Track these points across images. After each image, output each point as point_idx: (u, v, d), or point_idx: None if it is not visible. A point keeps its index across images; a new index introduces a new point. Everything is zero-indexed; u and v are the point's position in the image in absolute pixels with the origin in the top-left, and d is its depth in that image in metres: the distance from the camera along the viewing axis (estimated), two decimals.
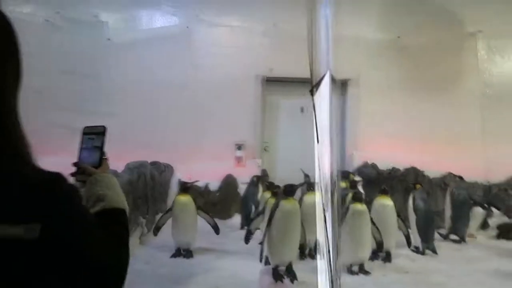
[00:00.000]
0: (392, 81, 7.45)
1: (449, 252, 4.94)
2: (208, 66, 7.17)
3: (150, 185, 5.54)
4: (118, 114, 6.76)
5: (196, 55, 7.25)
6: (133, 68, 7.03)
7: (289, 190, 4.15)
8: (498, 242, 5.52)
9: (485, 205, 5.87)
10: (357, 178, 7.10)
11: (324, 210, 2.41)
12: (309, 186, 4.47)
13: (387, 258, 4.32)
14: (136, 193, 5.00)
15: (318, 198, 5.80)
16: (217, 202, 6.71)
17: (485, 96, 7.47)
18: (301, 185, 4.37)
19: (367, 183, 6.80)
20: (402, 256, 4.55)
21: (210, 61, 7.18)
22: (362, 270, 3.88)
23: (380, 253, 4.24)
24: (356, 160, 7.35)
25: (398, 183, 6.84)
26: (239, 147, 7.04)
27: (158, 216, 5.04)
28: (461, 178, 5.71)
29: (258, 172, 6.87)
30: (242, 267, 3.85)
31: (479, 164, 7.27)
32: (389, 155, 7.20)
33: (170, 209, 4.72)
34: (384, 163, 7.19)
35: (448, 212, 5.56)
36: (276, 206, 3.88)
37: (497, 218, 6.30)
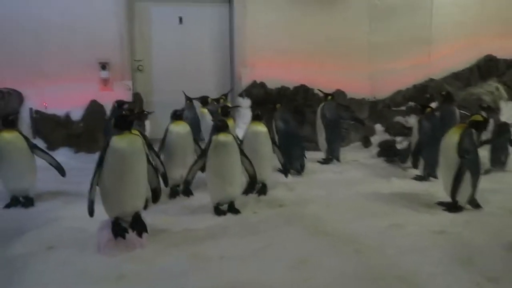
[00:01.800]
0: None
1: (328, 176, 4.71)
2: None
3: None
4: None
5: None
6: None
7: (177, 115, 3.91)
8: (378, 161, 5.48)
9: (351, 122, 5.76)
10: (246, 100, 6.58)
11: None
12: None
13: (262, 190, 3.88)
14: None
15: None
16: (81, 133, 5.67)
17: (373, 8, 7.11)
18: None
19: (257, 105, 6.28)
20: (280, 185, 4.17)
21: None
22: (231, 208, 3.37)
23: (256, 185, 3.75)
24: (245, 79, 6.70)
25: (288, 103, 6.41)
26: (103, 66, 5.86)
27: None
28: (331, 95, 5.41)
29: (129, 96, 5.88)
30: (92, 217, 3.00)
31: (366, 80, 7.16)
32: (278, 72, 6.66)
33: None
34: (273, 81, 6.67)
35: (321, 134, 5.30)
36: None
37: (380, 135, 6.31)
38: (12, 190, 3.71)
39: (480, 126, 3.52)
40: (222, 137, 3.21)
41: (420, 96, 6.72)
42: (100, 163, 2.59)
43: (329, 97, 5.37)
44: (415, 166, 4.44)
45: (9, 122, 3.65)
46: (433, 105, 5.54)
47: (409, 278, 2.29)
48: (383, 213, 3.41)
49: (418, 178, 4.45)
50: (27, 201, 3.72)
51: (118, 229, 2.65)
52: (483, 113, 4.52)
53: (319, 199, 3.81)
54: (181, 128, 3.84)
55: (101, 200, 2.68)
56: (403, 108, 6.64)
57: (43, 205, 3.72)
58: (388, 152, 5.48)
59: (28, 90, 5.69)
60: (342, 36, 6.96)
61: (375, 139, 6.21)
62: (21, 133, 3.73)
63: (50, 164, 3.81)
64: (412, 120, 5.83)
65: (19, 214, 3.55)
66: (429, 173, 4.43)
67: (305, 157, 4.82)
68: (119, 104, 4.54)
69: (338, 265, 2.45)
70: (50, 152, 4.34)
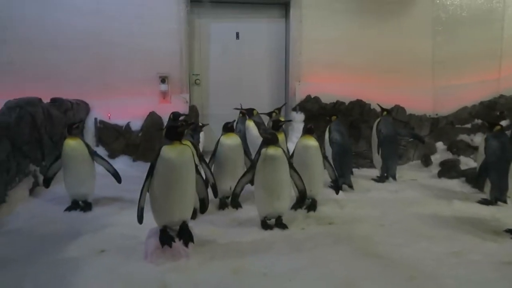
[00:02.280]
0: (338, 2, 6.60)
1: (383, 195, 4.47)
2: None
3: (44, 127, 4.61)
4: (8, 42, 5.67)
5: None
6: None
7: (228, 127, 3.97)
8: (438, 182, 5.12)
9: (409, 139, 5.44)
10: (299, 114, 6.52)
11: None
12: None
13: (312, 206, 3.76)
14: (19, 138, 4.10)
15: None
16: (140, 143, 5.92)
17: (438, 21, 6.78)
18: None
19: (310, 119, 6.19)
20: (331, 202, 4.02)
21: None
22: (279, 223, 3.30)
23: (305, 200, 3.66)
24: (299, 93, 6.65)
25: (343, 117, 6.25)
26: (162, 79, 6.10)
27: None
28: (387, 111, 5.17)
29: (185, 109, 6.06)
30: (145, 222, 3.07)
31: (428, 96, 6.81)
32: (333, 87, 6.54)
33: (60, 156, 3.89)
34: (328, 96, 6.55)
35: (376, 151, 5.07)
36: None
37: (441, 154, 5.92)
38: (73, 194, 3.93)
39: None
40: (271, 150, 3.17)
41: (488, 113, 6.24)
42: (150, 172, 2.66)
43: (385, 112, 5.15)
44: (480, 188, 4.09)
45: (73, 130, 3.89)
46: (503, 123, 5.11)
47: None
48: (442, 238, 3.16)
49: (484, 202, 4.09)
50: (86, 206, 3.92)
51: (165, 237, 2.69)
52: None
53: (371, 218, 3.62)
54: (232, 140, 3.87)
55: (151, 208, 2.75)
56: (469, 125, 6.19)
57: (100, 210, 3.90)
58: (450, 172, 5.11)
59: (94, 102, 6.05)
60: (403, 50, 6.70)
61: (435, 158, 5.83)
62: (83, 140, 3.96)
63: (108, 170, 3.99)
64: (478, 139, 5.42)
65: (77, 217, 3.74)
66: (496, 197, 4.05)
67: (352, 173, 4.67)
68: (175, 116, 4.67)
69: None
70: (110, 160, 4.58)
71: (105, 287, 2.37)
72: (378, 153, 5.04)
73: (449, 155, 5.79)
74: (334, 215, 3.70)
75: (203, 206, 3.02)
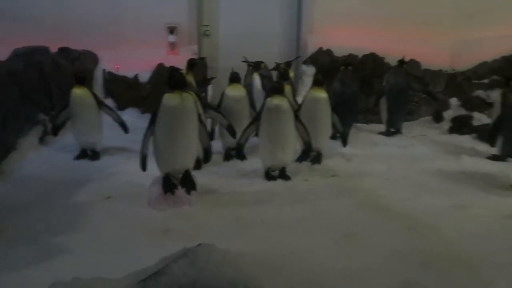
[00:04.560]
0: None
1: (392, 150, 4.41)
2: None
3: (52, 76, 4.61)
4: None
5: None
6: None
7: (234, 77, 3.91)
8: (449, 138, 5.02)
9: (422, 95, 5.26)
10: (310, 67, 6.36)
11: None
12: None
13: (317, 159, 3.75)
14: (28, 86, 4.11)
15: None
16: (148, 95, 5.89)
17: None
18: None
19: (322, 73, 6.04)
20: (337, 155, 4.00)
21: None
22: (282, 175, 3.31)
23: (310, 153, 3.64)
24: (311, 46, 6.44)
25: (355, 71, 6.07)
26: (171, 30, 5.96)
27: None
28: (402, 62, 4.98)
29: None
30: (150, 170, 3.05)
31: (446, 50, 6.53)
32: (347, 40, 6.30)
33: (68, 105, 3.91)
34: (341, 49, 6.33)
35: (383, 104, 4.94)
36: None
37: (455, 110, 5.76)
38: (81, 143, 3.99)
39: None
40: (276, 100, 3.12)
41: (509, 68, 5.96)
42: (153, 120, 2.65)
43: (398, 63, 4.97)
44: (492, 144, 3.99)
45: (80, 79, 3.88)
46: None
47: (467, 264, 2.06)
48: (446, 192, 3.14)
49: (494, 158, 4.01)
50: (94, 155, 3.99)
51: (168, 185, 2.72)
52: None
53: (376, 172, 3.60)
54: (237, 92, 3.82)
55: (154, 156, 2.77)
56: (486, 81, 5.96)
57: (108, 159, 3.97)
58: (462, 128, 4.99)
59: (103, 53, 5.98)
60: (421, 0, 6.36)
61: (448, 114, 5.68)
62: (90, 90, 3.96)
63: (115, 121, 4.02)
64: (495, 95, 5.23)
65: (86, 165, 3.84)
66: (506, 153, 3.95)
67: (349, 127, 4.59)
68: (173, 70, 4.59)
69: (387, 243, 2.27)
70: (119, 112, 4.60)
71: (112, 231, 2.44)
72: (385, 106, 4.90)
73: (462, 112, 5.62)
74: (339, 168, 3.69)
75: (206, 155, 3.03)
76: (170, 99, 2.57)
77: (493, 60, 6.28)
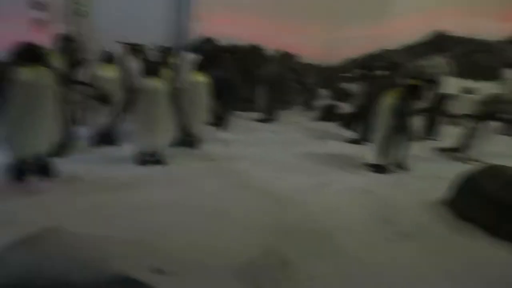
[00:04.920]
0: None
1: (268, 135, 4.63)
2: None
3: None
4: None
5: None
6: None
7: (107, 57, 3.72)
8: (318, 124, 5.46)
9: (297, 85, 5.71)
10: (192, 54, 6.27)
11: None
12: None
13: (193, 143, 3.72)
14: None
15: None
16: None
17: None
18: None
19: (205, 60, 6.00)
20: (217, 141, 4.03)
21: None
22: (156, 159, 3.20)
23: (189, 137, 3.59)
24: (194, 33, 6.35)
25: (237, 61, 6.18)
26: (35, 5, 5.28)
27: None
28: (279, 54, 5.31)
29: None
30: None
31: (318, 46, 7.08)
32: (231, 29, 6.40)
33: None
34: (224, 37, 6.40)
35: (261, 93, 5.20)
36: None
37: (324, 100, 6.29)
38: None
39: (415, 91, 3.51)
40: (149, 81, 2.99)
41: (371, 64, 6.71)
42: (1, 95, 2.30)
43: (275, 54, 5.24)
44: (353, 129, 4.45)
45: None
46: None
47: (323, 232, 2.26)
48: (314, 172, 3.39)
49: (353, 141, 4.48)
50: None
51: (16, 171, 2.40)
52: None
53: (252, 156, 3.73)
54: (109, 72, 3.56)
55: (5, 138, 2.41)
56: (350, 75, 6.63)
57: None
58: (329, 116, 5.48)
59: None
60: None
61: (319, 104, 6.19)
62: None
63: None
64: (356, 87, 5.85)
65: None
66: (363, 137, 4.45)
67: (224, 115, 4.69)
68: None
69: (256, 217, 2.39)
70: None
71: None
72: (260, 94, 5.10)
73: (330, 101, 6.17)
74: (217, 152, 3.74)
75: (67, 140, 2.75)
76: (23, 73, 2.26)
77: (360, 56, 7.04)
